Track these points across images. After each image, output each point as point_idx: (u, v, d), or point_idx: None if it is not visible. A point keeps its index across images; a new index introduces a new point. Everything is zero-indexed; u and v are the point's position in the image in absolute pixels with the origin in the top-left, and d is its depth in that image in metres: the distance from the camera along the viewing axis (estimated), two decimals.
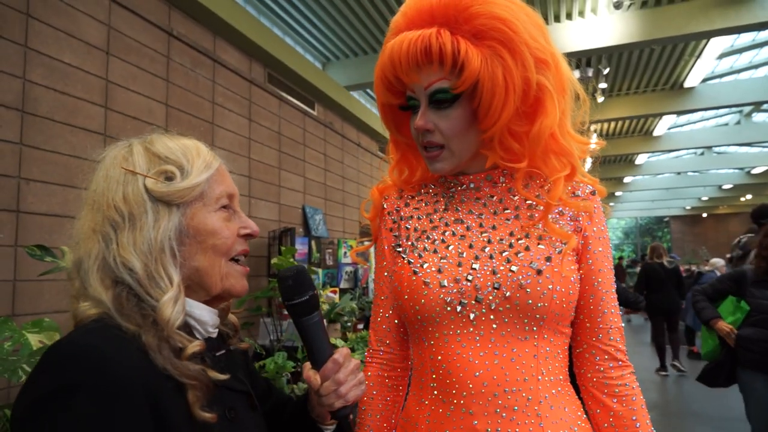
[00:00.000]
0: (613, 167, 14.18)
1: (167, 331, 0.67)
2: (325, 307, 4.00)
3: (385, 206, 0.99)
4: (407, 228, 0.95)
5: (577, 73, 6.28)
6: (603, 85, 7.14)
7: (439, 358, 0.83)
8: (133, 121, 3.29)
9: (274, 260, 3.46)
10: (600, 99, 7.58)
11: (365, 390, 0.86)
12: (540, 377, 0.80)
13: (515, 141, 0.82)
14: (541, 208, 0.87)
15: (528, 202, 0.89)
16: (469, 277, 0.83)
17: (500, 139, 0.83)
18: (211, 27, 3.96)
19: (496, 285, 0.81)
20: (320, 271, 4.92)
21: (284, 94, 4.98)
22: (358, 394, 0.83)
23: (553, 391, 0.82)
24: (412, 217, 0.96)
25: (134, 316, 0.67)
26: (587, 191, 0.90)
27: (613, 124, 10.15)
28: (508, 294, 0.80)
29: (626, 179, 16.02)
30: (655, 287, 6.79)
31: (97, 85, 3.05)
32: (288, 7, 4.75)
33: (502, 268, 0.82)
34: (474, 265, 0.84)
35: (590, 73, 6.56)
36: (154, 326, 0.66)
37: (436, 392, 0.84)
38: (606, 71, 6.63)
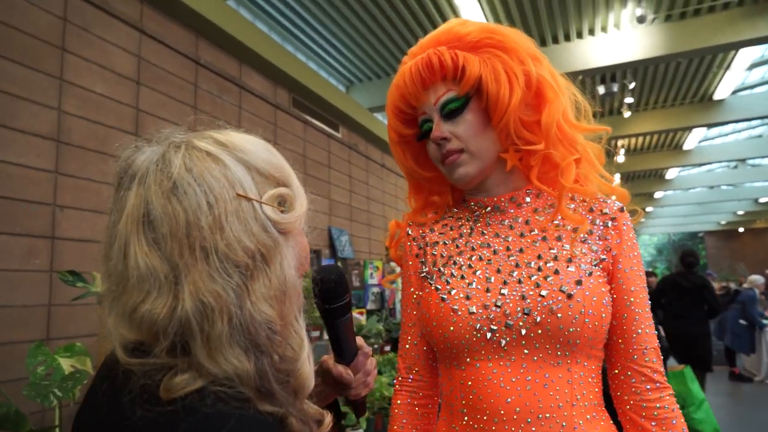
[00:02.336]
0: (643, 182, 13.92)
1: (300, 398, 0.56)
2: None
3: (409, 232, 0.99)
4: (433, 254, 0.94)
5: (602, 89, 6.22)
6: (629, 100, 7.05)
7: (470, 383, 0.82)
8: None
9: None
10: (627, 114, 7.48)
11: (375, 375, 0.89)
12: (574, 403, 0.78)
13: (528, 131, 0.86)
14: (569, 227, 0.86)
15: (555, 222, 0.87)
16: (498, 303, 0.82)
17: (516, 130, 0.85)
18: (236, 54, 4.06)
19: (526, 310, 0.80)
20: None
21: (309, 118, 5.05)
22: (374, 377, 0.87)
23: (588, 416, 0.79)
24: (437, 242, 0.95)
25: (279, 393, 0.53)
26: (615, 208, 0.88)
27: (641, 139, 10.00)
28: (538, 319, 0.79)
29: (657, 194, 15.69)
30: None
31: (128, 113, 3.14)
32: (311, 33, 4.85)
33: (531, 293, 0.81)
34: (502, 291, 0.83)
35: (615, 88, 6.49)
36: (297, 407, 0.55)
37: (466, 418, 0.82)
38: (632, 86, 6.56)
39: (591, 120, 0.93)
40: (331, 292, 0.77)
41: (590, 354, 0.82)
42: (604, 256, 0.85)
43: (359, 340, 0.84)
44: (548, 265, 0.83)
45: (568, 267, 0.82)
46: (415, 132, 0.94)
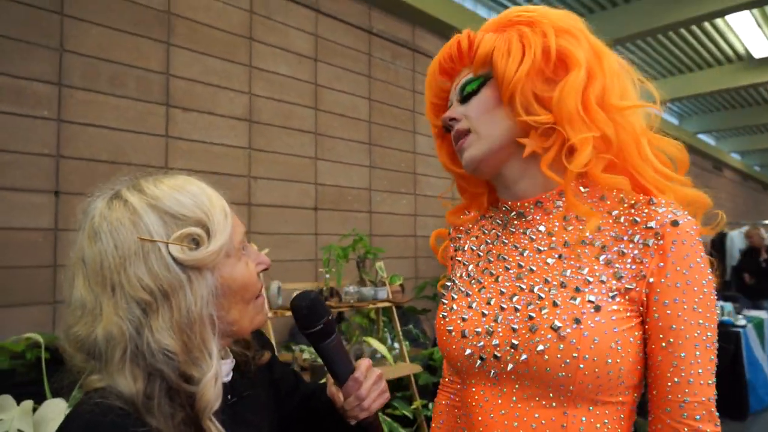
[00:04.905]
0: None
1: (203, 418, 0.62)
2: None
3: (450, 233, 0.95)
4: (458, 260, 0.89)
5: None
6: None
7: (469, 403, 0.77)
8: (339, 119, 3.67)
9: None
10: None
11: (388, 397, 0.86)
12: None
13: (542, 106, 0.74)
14: (597, 244, 0.71)
15: (581, 239, 0.73)
16: (490, 330, 0.74)
17: (524, 103, 0.74)
18: (410, 18, 4.12)
19: (514, 344, 0.71)
20: None
21: None
22: (380, 403, 0.84)
23: None
24: (465, 248, 0.89)
25: (161, 415, 0.60)
26: (666, 221, 0.68)
27: None
28: (524, 357, 0.69)
29: None
30: None
31: (308, 90, 3.47)
32: None
33: (522, 325, 0.71)
34: (498, 317, 0.74)
35: None
36: (178, 429, 0.61)
37: None
38: None
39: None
40: (306, 319, 0.78)
41: (599, 400, 0.68)
42: (632, 285, 0.68)
43: (363, 364, 0.83)
44: (551, 293, 0.70)
45: (572, 299, 0.68)
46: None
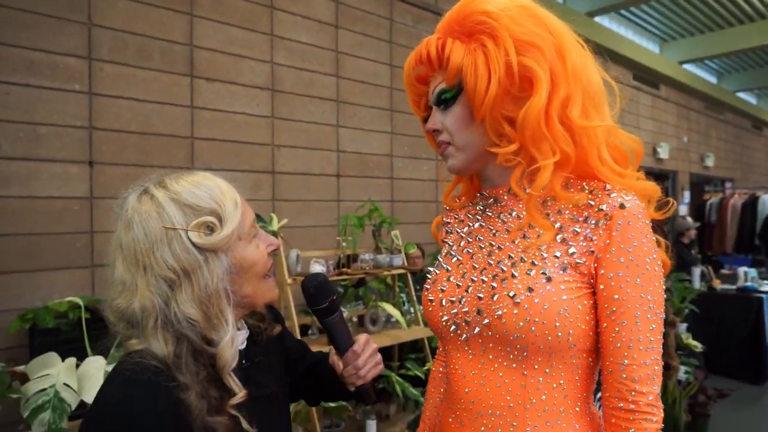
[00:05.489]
0: None
1: (223, 374, 0.75)
2: None
3: (443, 218, 1.04)
4: (446, 242, 0.99)
5: None
6: None
7: (448, 365, 0.88)
8: (361, 86, 3.70)
9: None
10: None
11: (382, 368, 0.99)
12: (528, 406, 0.78)
13: (510, 126, 0.81)
14: (558, 225, 0.80)
15: (547, 218, 0.82)
16: (462, 299, 0.85)
17: (493, 125, 0.81)
18: None
19: (479, 311, 0.82)
20: None
21: None
22: (375, 373, 0.97)
23: (548, 422, 0.78)
24: (452, 231, 0.98)
25: (188, 372, 0.72)
26: (615, 205, 0.77)
27: None
28: (486, 321, 0.80)
29: None
30: None
31: (329, 57, 3.50)
32: None
33: (486, 294, 0.82)
34: (469, 288, 0.86)
35: None
36: (202, 383, 0.73)
37: (446, 401, 0.90)
38: None
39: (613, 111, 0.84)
40: (313, 297, 0.91)
41: (554, 361, 0.78)
42: (582, 259, 0.77)
43: (361, 338, 0.96)
44: (513, 266, 0.80)
45: (528, 271, 0.78)
46: (424, 114, 0.96)
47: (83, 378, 1.54)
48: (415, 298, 2.73)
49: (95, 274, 2.57)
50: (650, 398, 0.74)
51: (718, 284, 4.95)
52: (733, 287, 4.84)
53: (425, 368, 2.50)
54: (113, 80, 2.60)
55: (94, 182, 2.56)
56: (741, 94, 10.62)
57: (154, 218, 0.76)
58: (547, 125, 0.79)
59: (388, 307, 2.38)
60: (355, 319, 2.45)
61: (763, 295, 4.58)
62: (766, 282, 4.93)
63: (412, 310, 2.73)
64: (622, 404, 0.74)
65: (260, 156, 3.16)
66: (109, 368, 1.57)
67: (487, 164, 0.89)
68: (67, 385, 1.51)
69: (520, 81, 0.79)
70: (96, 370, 1.56)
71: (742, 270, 4.93)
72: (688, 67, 8.50)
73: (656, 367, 0.75)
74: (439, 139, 0.89)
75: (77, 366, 1.59)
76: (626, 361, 0.75)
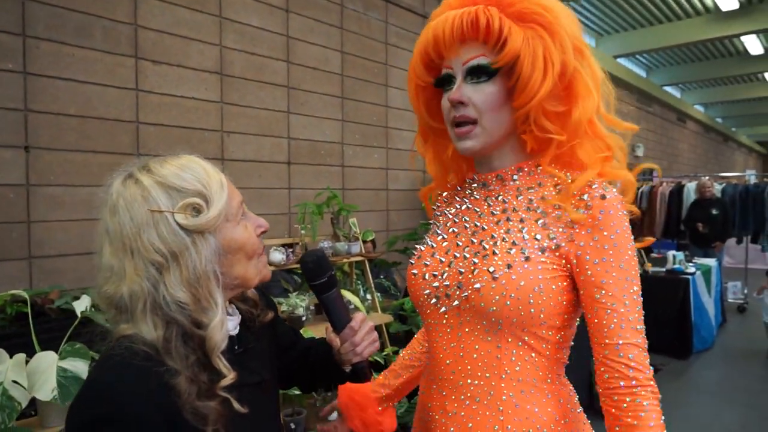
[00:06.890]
0: None
1: (212, 357, 0.74)
2: None
3: (435, 200, 1.08)
4: (434, 223, 1.03)
5: None
6: None
7: (429, 338, 0.93)
8: (312, 72, 3.65)
9: None
10: None
11: (378, 346, 1.02)
12: (503, 375, 0.83)
13: (549, 120, 0.85)
14: (539, 210, 0.86)
15: (528, 205, 0.87)
16: (444, 274, 0.89)
17: (536, 118, 0.84)
18: None
19: (459, 285, 0.86)
20: None
21: None
22: (371, 350, 0.98)
23: (522, 391, 0.83)
24: (441, 213, 1.02)
25: (177, 356, 0.72)
26: (596, 195, 0.82)
27: None
28: (465, 294, 0.84)
29: None
30: None
31: (280, 42, 3.43)
32: None
33: (466, 269, 0.86)
34: (451, 263, 0.89)
35: None
36: (192, 368, 0.72)
37: (427, 371, 0.95)
38: None
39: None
40: (311, 272, 0.92)
41: (527, 335, 0.83)
42: (561, 243, 0.82)
43: (358, 316, 0.98)
44: (496, 245, 0.85)
45: (509, 250, 0.83)
46: (436, 76, 0.92)
47: (33, 374, 1.45)
48: (373, 284, 2.74)
49: (33, 266, 2.42)
50: (648, 372, 0.79)
51: (649, 267, 5.26)
52: (663, 270, 5.16)
53: (383, 353, 2.52)
54: (50, 59, 2.44)
55: (30, 168, 2.40)
56: (667, 88, 11.27)
57: (140, 202, 0.75)
58: (591, 126, 0.85)
59: (348, 294, 2.39)
60: (312, 307, 2.44)
61: (689, 277, 4.92)
62: (691, 264, 5.30)
63: (369, 296, 2.75)
64: (623, 382, 0.77)
65: (209, 142, 3.06)
66: (62, 363, 1.49)
67: (499, 147, 0.91)
68: (17, 383, 1.42)
69: (566, 83, 0.84)
70: (48, 365, 1.47)
71: (671, 253, 5.27)
72: (621, 61, 8.93)
73: (645, 345, 0.81)
74: (461, 113, 0.86)
75: (26, 362, 1.50)
76: (621, 341, 0.79)
